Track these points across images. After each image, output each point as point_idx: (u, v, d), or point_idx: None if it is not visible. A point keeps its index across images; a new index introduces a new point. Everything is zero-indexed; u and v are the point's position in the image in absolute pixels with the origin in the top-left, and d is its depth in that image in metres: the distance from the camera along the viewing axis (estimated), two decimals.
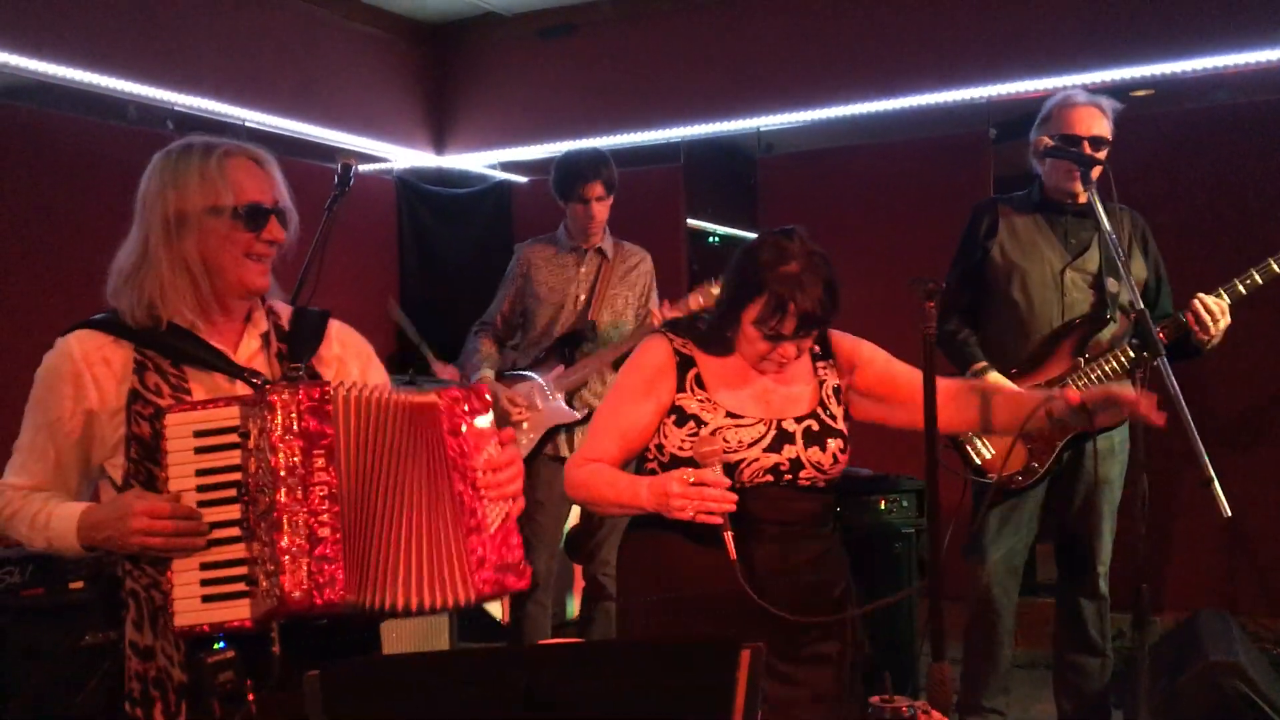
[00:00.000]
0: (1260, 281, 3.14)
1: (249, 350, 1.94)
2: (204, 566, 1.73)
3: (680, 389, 2.21)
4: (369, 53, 6.14)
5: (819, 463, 2.17)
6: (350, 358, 2.06)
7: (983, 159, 5.02)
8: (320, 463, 1.73)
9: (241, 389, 1.86)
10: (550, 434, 3.84)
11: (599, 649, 1.83)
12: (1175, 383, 2.60)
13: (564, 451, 3.86)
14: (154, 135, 4.50)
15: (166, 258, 1.84)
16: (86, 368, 1.83)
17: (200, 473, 1.74)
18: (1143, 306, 2.69)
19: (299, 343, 1.98)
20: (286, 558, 1.69)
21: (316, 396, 1.74)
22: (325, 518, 1.72)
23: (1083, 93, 3.39)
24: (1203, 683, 2.95)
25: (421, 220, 6.25)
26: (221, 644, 1.75)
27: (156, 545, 1.71)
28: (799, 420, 2.19)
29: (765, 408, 2.20)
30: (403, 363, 5.32)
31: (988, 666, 3.47)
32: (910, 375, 2.26)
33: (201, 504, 1.73)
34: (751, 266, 2.11)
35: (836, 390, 2.27)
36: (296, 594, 1.68)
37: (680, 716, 1.53)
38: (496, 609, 4.64)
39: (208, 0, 5.18)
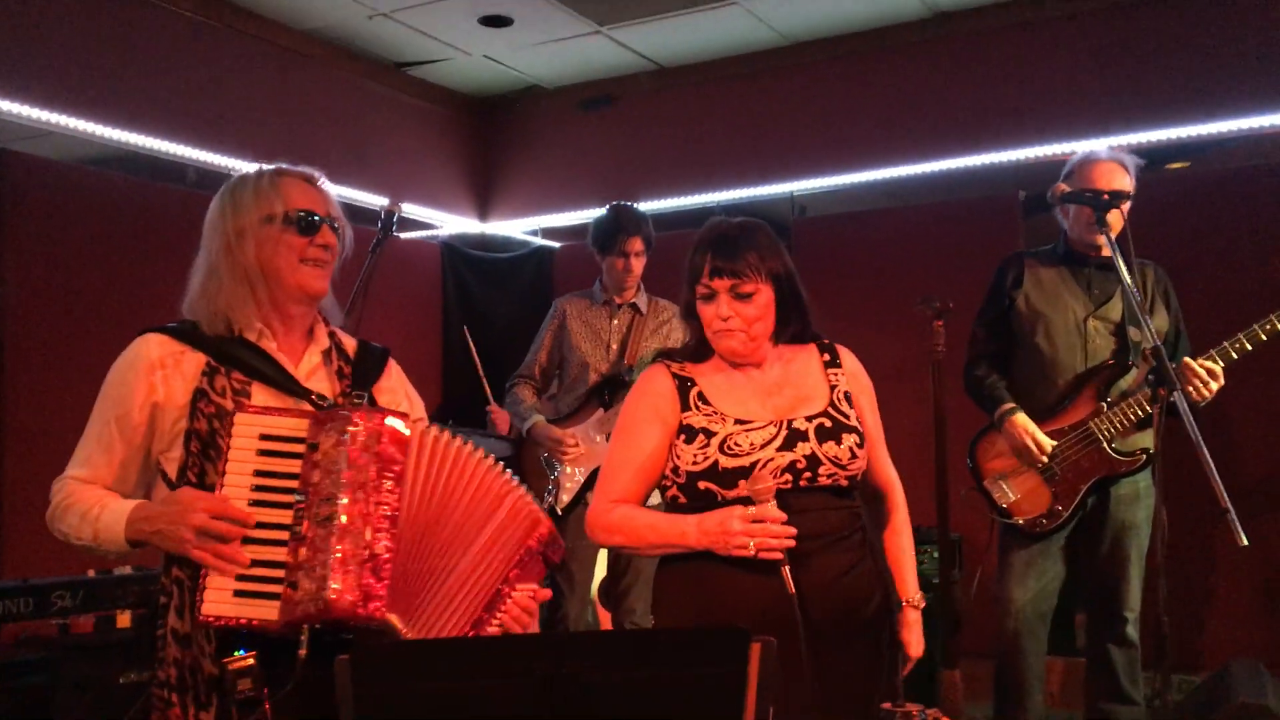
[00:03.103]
0: (1249, 346, 3.20)
1: (310, 364, 2.05)
2: (247, 548, 1.78)
3: (685, 408, 2.25)
4: (418, 124, 6.40)
5: (836, 457, 2.19)
6: (400, 393, 2.19)
7: (1012, 220, 5.10)
8: (389, 484, 1.81)
9: (300, 405, 1.96)
10: (594, 477, 3.93)
11: (617, 638, 1.88)
12: (1191, 417, 2.64)
13: None
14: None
15: (228, 270, 1.97)
16: (160, 366, 1.93)
17: (259, 474, 1.81)
18: (1158, 344, 2.75)
19: (364, 370, 2.11)
20: (340, 563, 1.74)
21: (397, 425, 1.84)
22: (384, 536, 1.79)
23: (1106, 150, 3.49)
24: None
25: (465, 283, 6.43)
26: (243, 650, 1.79)
27: (208, 549, 1.77)
28: (810, 419, 2.22)
29: (774, 410, 2.24)
30: (444, 415, 5.44)
31: (1019, 714, 3.45)
32: (867, 424, 2.32)
33: (254, 503, 1.80)
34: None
35: (848, 395, 2.31)
36: (347, 598, 1.73)
37: (696, 704, 1.59)
38: None
39: (265, 71, 5.46)
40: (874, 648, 2.24)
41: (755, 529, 2.07)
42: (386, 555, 1.78)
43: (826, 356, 2.36)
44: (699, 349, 2.34)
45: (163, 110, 4.93)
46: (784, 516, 2.08)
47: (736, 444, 2.18)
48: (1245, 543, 2.54)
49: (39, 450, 3.99)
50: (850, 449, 2.21)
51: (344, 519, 1.76)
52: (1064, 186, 3.22)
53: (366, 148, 6.02)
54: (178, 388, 1.92)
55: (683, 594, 2.24)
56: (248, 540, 1.79)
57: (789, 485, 2.17)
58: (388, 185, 5.94)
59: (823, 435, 2.21)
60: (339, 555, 1.75)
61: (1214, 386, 3.18)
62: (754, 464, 2.15)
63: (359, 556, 1.76)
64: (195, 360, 1.94)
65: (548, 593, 2.02)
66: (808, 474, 2.18)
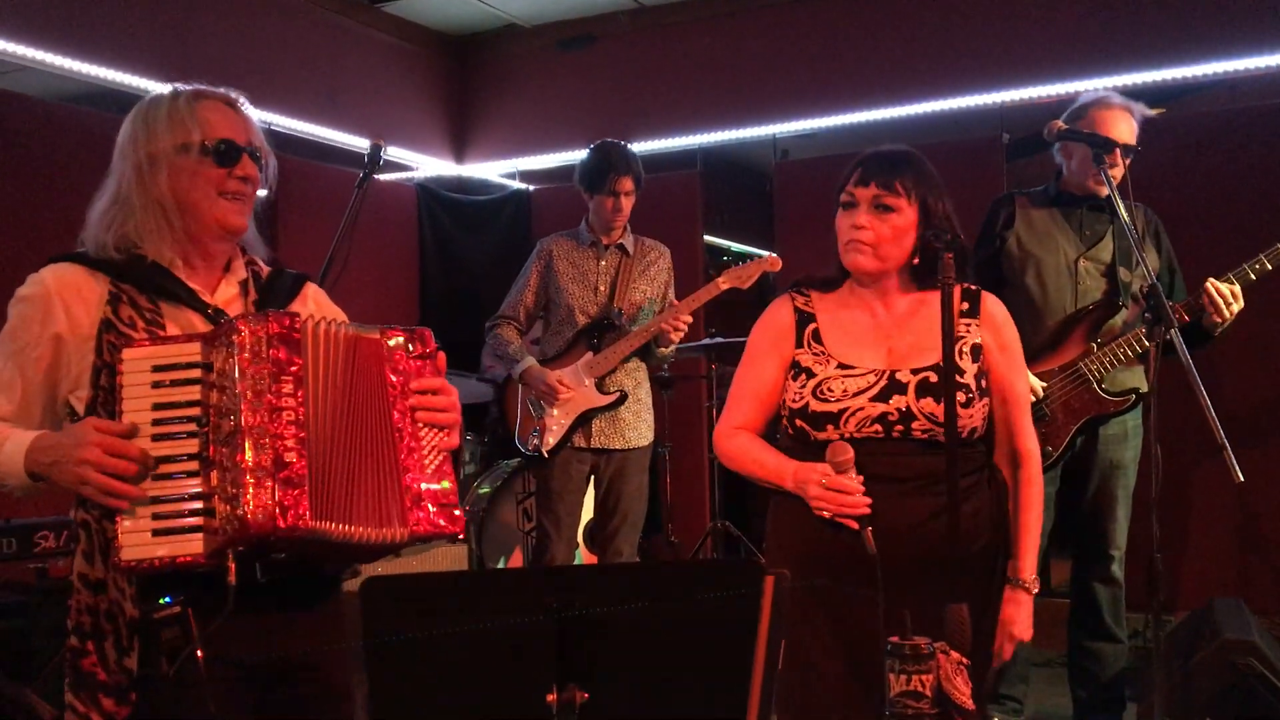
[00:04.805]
0: (1270, 266, 3.19)
1: (226, 295, 1.92)
2: (155, 500, 1.67)
3: (799, 345, 2.28)
4: (393, 63, 6.26)
5: (932, 414, 2.15)
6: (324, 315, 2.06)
7: (996, 163, 5.09)
8: (289, 388, 1.70)
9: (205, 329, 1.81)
10: (581, 419, 3.91)
11: (627, 571, 1.86)
12: (1188, 354, 2.64)
13: (589, 443, 3.93)
14: None
15: (140, 199, 1.83)
16: (58, 294, 1.80)
17: (157, 407, 1.70)
18: (1156, 282, 2.74)
19: (272, 295, 1.98)
20: (250, 478, 1.63)
21: (286, 325, 1.73)
22: (291, 443, 1.68)
23: (1118, 95, 3.41)
24: (1217, 661, 2.97)
25: (442, 226, 6.35)
26: (168, 599, 1.70)
27: (98, 483, 1.64)
28: (916, 371, 2.19)
29: (884, 358, 2.23)
30: None
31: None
32: (1005, 382, 2.28)
33: (156, 438, 1.69)
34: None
35: (976, 349, 2.25)
36: (260, 515, 1.62)
37: (707, 637, 1.58)
38: None
39: (238, 8, 5.31)
40: (957, 596, 2.04)
41: (829, 495, 2.12)
42: (299, 463, 1.67)
43: (966, 305, 2.29)
44: (833, 277, 2.32)
45: (136, 47, 4.80)
46: (859, 488, 2.10)
47: (830, 389, 2.19)
48: (1241, 479, 2.56)
49: None
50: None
51: (245, 430, 1.66)
52: (1060, 124, 3.18)
53: (340, 87, 5.89)
54: (81, 319, 1.79)
55: (793, 525, 2.27)
56: (158, 477, 1.67)
57: (880, 435, 2.17)
58: (362, 125, 5.84)
59: (923, 390, 2.17)
60: (246, 469, 1.64)
61: (1235, 308, 3.16)
62: (841, 411, 2.17)
63: (267, 467, 1.65)
64: (98, 288, 1.81)
65: (442, 359, 1.88)
66: (899, 427, 2.16)
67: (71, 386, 1.81)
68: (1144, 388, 3.35)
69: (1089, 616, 3.45)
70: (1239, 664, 2.92)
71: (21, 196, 4.24)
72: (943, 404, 2.12)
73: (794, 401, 2.24)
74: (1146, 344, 3.22)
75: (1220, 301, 3.14)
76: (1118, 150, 3.23)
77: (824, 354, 2.25)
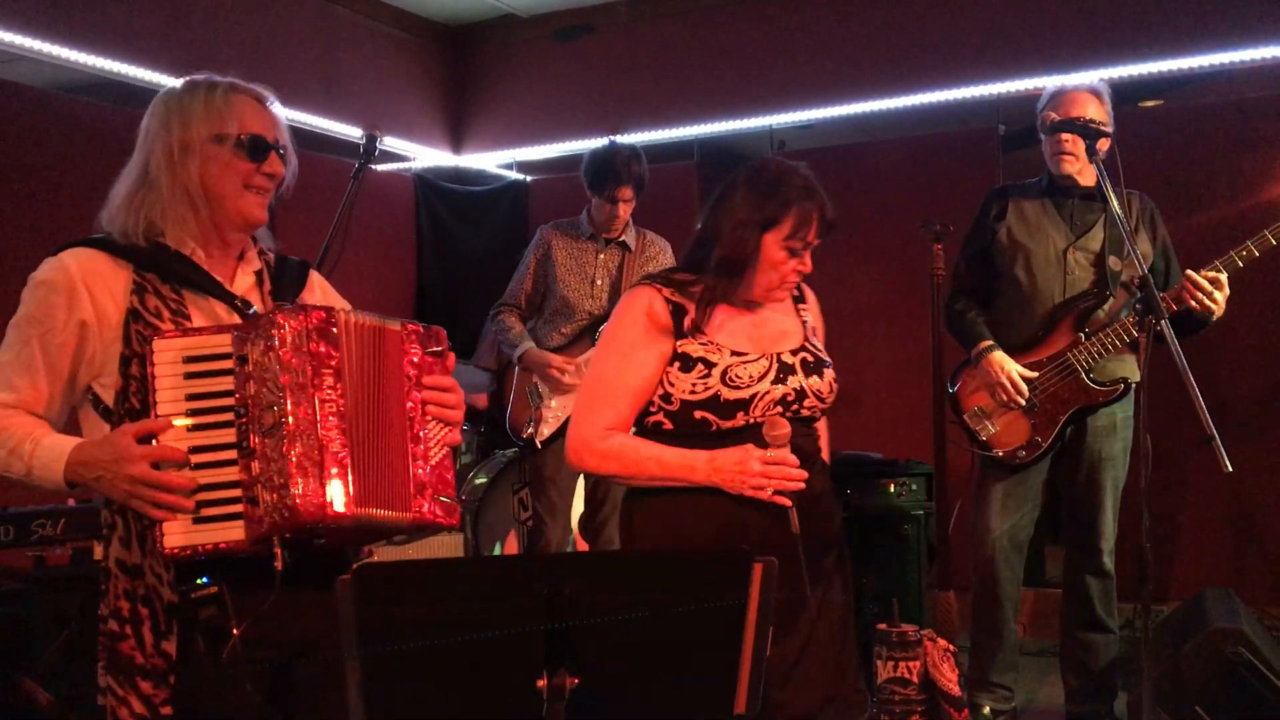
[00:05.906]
0: (1257, 253, 3.20)
1: (243, 285, 1.95)
2: (196, 489, 1.72)
3: (680, 335, 2.24)
4: (390, 52, 6.26)
5: (819, 391, 2.25)
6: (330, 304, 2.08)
7: (991, 155, 5.10)
8: (329, 381, 1.75)
9: (237, 319, 1.86)
10: None
11: (618, 558, 1.87)
12: (1178, 345, 2.66)
13: None
14: None
15: (168, 184, 1.85)
16: (82, 280, 1.80)
17: (191, 397, 1.74)
18: (1146, 273, 2.76)
19: (284, 285, 2.02)
20: (297, 468, 1.69)
21: (323, 319, 1.77)
22: (335, 434, 1.73)
23: (1075, 81, 3.49)
24: (1206, 650, 2.99)
25: (439, 217, 6.35)
26: (205, 579, 1.74)
27: (148, 497, 1.70)
28: (795, 353, 2.28)
29: (759, 344, 2.27)
30: None
31: (994, 643, 3.50)
32: None
33: (192, 428, 1.73)
34: (772, 188, 2.22)
35: (814, 331, 2.40)
36: (312, 504, 1.68)
37: (696, 624, 1.59)
38: None
39: None
40: (843, 564, 2.34)
41: (772, 471, 2.12)
42: (343, 453, 1.73)
43: (795, 292, 2.41)
44: (711, 285, 2.26)
45: (133, 37, 4.80)
46: (797, 461, 2.13)
47: (736, 376, 2.20)
48: (1230, 469, 2.58)
49: None
50: (830, 383, 2.28)
51: (291, 422, 1.71)
52: (1054, 115, 3.21)
53: (337, 76, 5.89)
54: (108, 306, 1.81)
55: (662, 525, 2.24)
56: (196, 467, 1.73)
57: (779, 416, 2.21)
58: (359, 115, 5.84)
59: (808, 369, 2.26)
60: (294, 460, 1.69)
61: (1219, 297, 3.17)
62: (753, 396, 2.19)
63: (314, 458, 1.70)
64: (123, 277, 1.82)
65: (452, 360, 1.93)
66: (795, 406, 2.23)
67: (94, 374, 1.83)
68: (1133, 377, 3.36)
69: (1080, 607, 3.47)
70: (1228, 653, 2.95)
71: (18, 186, 4.25)
72: (824, 380, 2.26)
73: (693, 393, 2.19)
74: (1135, 334, 3.22)
75: (1200, 294, 3.16)
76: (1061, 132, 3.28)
77: (712, 343, 2.23)
